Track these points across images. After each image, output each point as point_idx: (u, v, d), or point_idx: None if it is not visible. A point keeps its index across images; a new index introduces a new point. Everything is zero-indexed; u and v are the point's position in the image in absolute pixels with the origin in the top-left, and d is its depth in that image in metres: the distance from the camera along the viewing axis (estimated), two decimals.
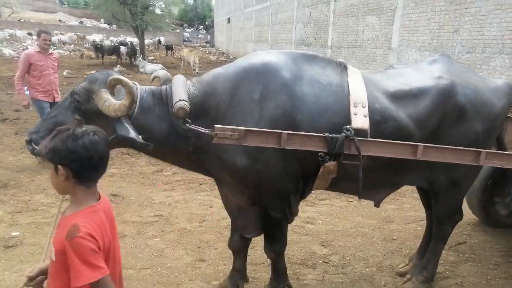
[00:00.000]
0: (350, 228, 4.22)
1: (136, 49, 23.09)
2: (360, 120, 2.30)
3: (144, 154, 2.63)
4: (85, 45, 32.02)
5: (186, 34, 54.19)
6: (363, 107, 2.33)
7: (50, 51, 6.18)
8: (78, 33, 36.43)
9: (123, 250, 3.61)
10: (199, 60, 20.48)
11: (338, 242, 3.88)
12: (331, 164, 2.30)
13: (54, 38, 30.96)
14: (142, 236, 3.90)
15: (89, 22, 52.11)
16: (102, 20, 46.73)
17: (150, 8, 24.25)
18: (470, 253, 3.75)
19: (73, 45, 33.01)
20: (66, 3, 70.48)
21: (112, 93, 2.21)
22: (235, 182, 2.47)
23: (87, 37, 34.95)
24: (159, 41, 36.92)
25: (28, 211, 4.33)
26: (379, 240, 3.97)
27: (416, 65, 2.87)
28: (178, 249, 3.69)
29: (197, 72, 18.72)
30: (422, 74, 2.66)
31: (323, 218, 4.43)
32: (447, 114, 2.53)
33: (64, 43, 32.34)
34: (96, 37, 33.23)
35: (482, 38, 8.96)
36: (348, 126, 2.24)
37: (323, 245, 3.80)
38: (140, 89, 2.36)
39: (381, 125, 2.38)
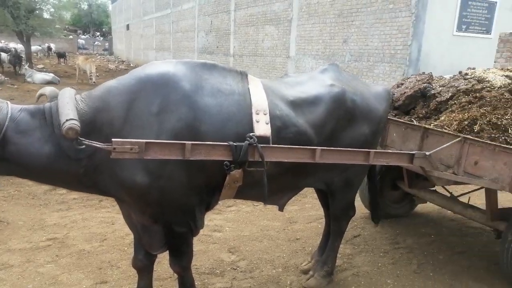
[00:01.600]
0: (257, 232, 4.31)
1: (21, 57, 20.83)
2: (262, 127, 2.34)
3: (28, 179, 2.36)
4: None
5: (81, 41, 50.72)
6: (265, 114, 2.38)
7: None
8: None
9: (9, 283, 3.21)
10: (96, 68, 19.29)
11: (246, 247, 3.93)
12: (236, 173, 2.29)
13: None
14: (32, 264, 3.50)
15: None
16: None
17: (37, 12, 22.18)
18: (364, 245, 4.10)
19: None
20: None
21: None
22: (135, 202, 2.34)
23: None
24: (49, 48, 33.92)
25: None
26: (284, 241, 4.12)
27: (309, 74, 3.04)
28: (76, 273, 3.39)
29: (94, 82, 17.59)
30: (316, 82, 2.82)
31: (230, 225, 4.46)
32: (340, 119, 2.72)
33: None
34: None
35: (367, 48, 9.95)
36: (251, 134, 2.26)
37: (231, 252, 3.82)
38: (12, 108, 2.09)
39: (282, 131, 2.45)
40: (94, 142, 2.02)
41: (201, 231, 4.13)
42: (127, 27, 36.99)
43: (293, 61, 12.87)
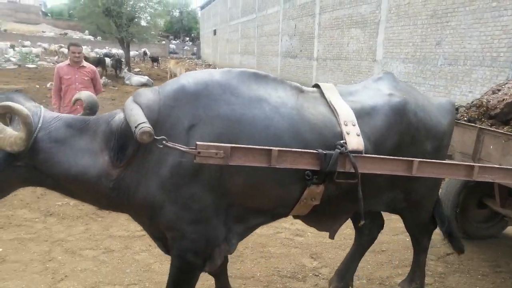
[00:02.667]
0: (340, 240, 4.21)
1: (122, 61, 22.97)
2: (353, 139, 2.15)
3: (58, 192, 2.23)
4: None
5: (172, 46, 54.25)
6: (353, 125, 2.20)
7: (83, 64, 5.89)
8: (62, 45, 36.00)
9: (110, 265, 3.53)
10: (185, 71, 20.46)
11: (328, 254, 3.87)
12: (317, 188, 2.12)
13: (37, 50, 30.62)
14: (130, 251, 3.82)
15: (73, 34, 51.72)
16: (86, 31, 46.42)
17: (136, 20, 24.21)
18: (459, 264, 3.79)
19: (57, 56, 32.61)
20: (49, 14, 69.93)
21: (6, 123, 1.91)
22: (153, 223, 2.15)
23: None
24: (145, 53, 36.83)
25: (10, 226, 4.21)
26: (368, 252, 3.94)
27: (362, 83, 2.70)
28: (166, 264, 3.62)
29: None
30: (371, 91, 2.50)
31: (312, 230, 4.40)
32: (402, 134, 2.39)
33: (45, 53, 31.94)
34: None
35: (463, 50, 9.20)
36: (341, 142, 2.10)
37: (313, 258, 3.79)
38: (45, 116, 2.02)
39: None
40: (178, 145, 1.89)
41: (283, 234, 4.16)
42: (214, 32, 38.72)
43: (380, 64, 12.37)
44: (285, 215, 2.34)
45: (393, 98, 2.41)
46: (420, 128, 2.47)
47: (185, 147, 1.90)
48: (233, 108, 2.03)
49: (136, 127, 1.85)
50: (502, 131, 3.24)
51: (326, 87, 2.42)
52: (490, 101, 3.55)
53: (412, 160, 2.20)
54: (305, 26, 17.85)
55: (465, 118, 3.58)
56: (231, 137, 1.98)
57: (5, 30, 44.42)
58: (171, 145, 1.88)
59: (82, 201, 2.26)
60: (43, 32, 48.87)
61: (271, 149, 1.96)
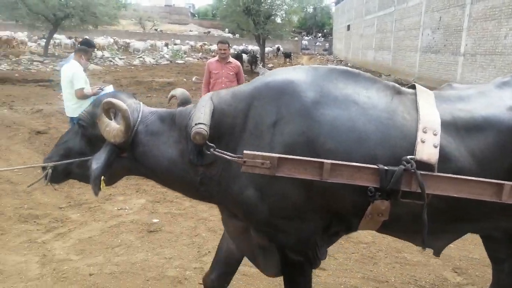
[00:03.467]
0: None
1: (257, 57, 24.21)
2: (427, 150, 1.80)
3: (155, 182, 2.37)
4: (212, 53, 34.72)
5: (304, 42, 54.93)
6: (435, 134, 1.84)
7: (229, 60, 6.36)
8: (205, 42, 39.69)
9: None
10: None
11: (475, 271, 3.47)
12: (382, 204, 1.84)
13: (185, 47, 34.35)
14: None
15: (215, 32, 56.48)
16: (226, 30, 50.19)
17: (272, 17, 25.21)
18: None
19: (200, 53, 36.11)
20: (196, 15, 77.60)
21: (110, 117, 2.05)
22: (245, 218, 2.12)
23: (213, 45, 37.86)
24: (278, 49, 38.11)
25: (165, 201, 4.84)
26: None
27: (480, 87, 2.19)
28: None
29: None
30: (489, 100, 2.04)
31: (455, 243, 4.02)
32: None
33: (193, 50, 35.58)
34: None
35: None
36: (408, 157, 1.78)
37: (456, 272, 3.44)
38: (143, 111, 2.15)
39: (447, 162, 1.85)
40: (225, 152, 1.88)
41: None
42: (348, 27, 37.87)
43: None
44: (355, 229, 2.11)
45: None
46: None
47: (232, 155, 1.87)
48: (315, 107, 1.91)
49: (194, 125, 1.89)
50: None
51: (421, 88, 2.09)
52: None
53: (503, 183, 1.75)
54: (451, 18, 16.18)
55: None
56: (311, 136, 1.87)
57: (161, 31, 50.96)
58: (218, 153, 1.88)
59: (178, 192, 2.36)
60: (190, 31, 54.56)
61: (323, 162, 1.77)
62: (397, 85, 2.11)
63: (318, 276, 3.35)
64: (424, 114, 1.91)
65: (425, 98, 2.00)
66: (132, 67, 23.07)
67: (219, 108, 2.04)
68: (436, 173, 1.79)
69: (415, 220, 1.88)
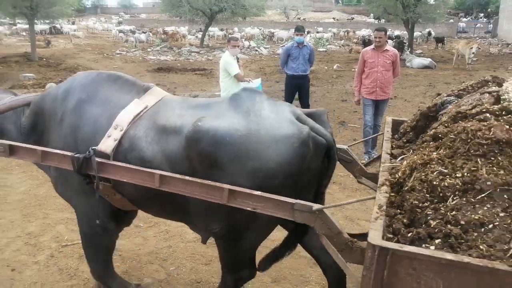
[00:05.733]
0: None
1: (404, 43, 22.58)
2: (107, 142, 2.28)
3: None
4: (354, 40, 33.70)
5: (462, 24, 48.79)
6: (121, 130, 2.30)
7: (386, 48, 6.12)
8: (348, 29, 38.71)
9: None
10: (474, 53, 18.01)
11: None
12: (104, 186, 2.36)
13: (327, 35, 34.09)
14: None
15: (359, 18, 54.56)
16: (371, 15, 47.97)
17: None
18: None
19: (343, 40, 35.40)
20: (340, 1, 76.06)
21: None
22: None
23: (356, 32, 36.67)
24: (429, 34, 34.79)
25: None
26: None
27: (212, 100, 2.43)
28: None
29: (469, 64, 16.97)
30: (193, 112, 2.29)
31: None
32: (192, 159, 2.12)
33: (335, 38, 35.10)
34: (365, 32, 34.46)
35: None
36: (91, 148, 2.27)
37: None
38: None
39: (128, 153, 2.27)
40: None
41: None
42: None
43: None
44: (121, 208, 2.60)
45: (200, 123, 2.12)
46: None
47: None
48: (81, 105, 2.47)
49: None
50: None
51: (152, 91, 2.50)
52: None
53: (154, 172, 2.11)
54: None
55: None
56: (73, 127, 2.46)
57: (304, 19, 51.61)
58: None
59: None
60: (333, 18, 53.86)
61: (36, 149, 2.41)
62: (149, 85, 2.55)
63: None
64: (122, 113, 2.34)
65: (139, 102, 2.40)
66: (276, 56, 24.00)
67: (33, 106, 2.69)
68: (107, 161, 2.24)
69: (159, 204, 2.35)
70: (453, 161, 1.63)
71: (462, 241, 1.37)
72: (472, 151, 1.61)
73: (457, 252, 1.34)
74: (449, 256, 1.27)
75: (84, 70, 15.65)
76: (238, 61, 6.58)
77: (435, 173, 1.61)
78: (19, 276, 3.38)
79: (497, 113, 1.81)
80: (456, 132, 1.76)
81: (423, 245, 1.40)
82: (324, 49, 27.63)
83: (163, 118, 2.30)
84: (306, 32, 7.71)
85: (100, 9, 74.53)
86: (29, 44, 19.11)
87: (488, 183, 1.47)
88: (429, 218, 1.49)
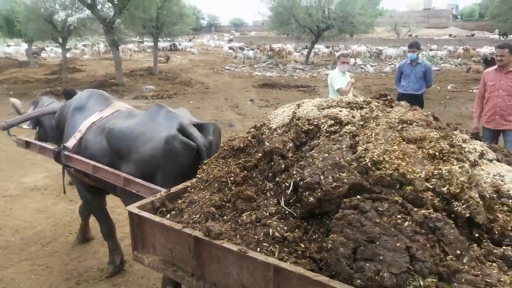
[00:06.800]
0: None
1: None
2: (72, 141, 3.48)
3: None
4: (473, 58, 30.70)
5: None
6: (80, 132, 3.47)
7: (511, 69, 5.13)
8: (467, 47, 35.45)
9: None
10: None
11: None
12: (73, 170, 3.53)
13: (441, 53, 31.64)
14: None
15: (481, 34, 49.69)
16: (496, 31, 43.26)
17: None
18: None
19: (460, 58, 32.50)
20: (459, 17, 70.29)
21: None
22: None
23: (477, 49, 33.37)
24: None
25: None
26: None
27: (140, 112, 3.60)
28: None
29: None
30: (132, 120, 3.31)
31: None
32: (111, 152, 3.25)
33: (449, 55, 32.42)
34: (487, 50, 31.21)
35: None
36: (63, 144, 3.53)
37: None
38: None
39: (82, 150, 3.43)
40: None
41: None
42: None
43: None
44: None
45: (112, 125, 3.27)
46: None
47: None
48: (73, 112, 3.75)
49: None
50: None
51: (113, 105, 3.63)
52: None
53: (90, 163, 3.29)
54: None
55: None
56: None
57: (416, 36, 48.73)
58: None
59: None
60: (449, 35, 49.86)
61: (36, 144, 3.89)
62: (111, 102, 3.71)
63: None
64: (85, 121, 3.50)
65: (98, 113, 3.53)
66: (383, 74, 23.07)
67: (57, 112, 4.02)
68: (72, 154, 3.42)
69: (105, 183, 3.25)
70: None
71: (180, 213, 2.11)
72: (223, 155, 2.41)
73: (175, 219, 2.05)
74: (165, 221, 1.99)
75: (196, 84, 16.88)
76: (348, 77, 6.54)
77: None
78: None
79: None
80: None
81: (160, 215, 2.15)
82: (437, 68, 25.70)
83: (106, 124, 3.29)
84: (418, 49, 7.25)
85: (214, 27, 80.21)
86: (153, 59, 21.40)
87: (211, 176, 2.22)
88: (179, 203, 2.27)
